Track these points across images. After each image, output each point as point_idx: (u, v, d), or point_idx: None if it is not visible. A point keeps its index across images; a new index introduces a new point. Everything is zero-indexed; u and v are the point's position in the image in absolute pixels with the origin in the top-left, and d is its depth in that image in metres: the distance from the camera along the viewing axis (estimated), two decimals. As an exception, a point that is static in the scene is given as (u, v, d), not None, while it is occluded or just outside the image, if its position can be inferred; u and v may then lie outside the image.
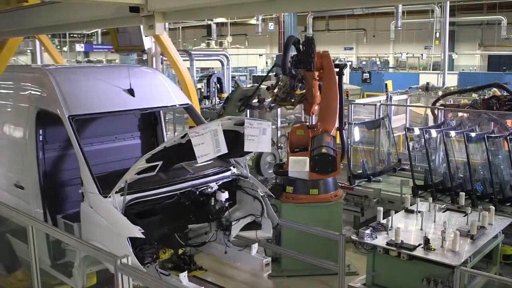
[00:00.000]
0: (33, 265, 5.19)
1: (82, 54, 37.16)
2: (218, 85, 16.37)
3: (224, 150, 5.01)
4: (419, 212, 6.90)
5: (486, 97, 11.84)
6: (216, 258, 6.82)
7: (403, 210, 7.18)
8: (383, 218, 6.66)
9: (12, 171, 6.28)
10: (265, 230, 5.98)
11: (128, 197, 4.95)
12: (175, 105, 6.47)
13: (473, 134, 8.05)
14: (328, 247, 6.65)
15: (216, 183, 5.69)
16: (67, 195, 6.00)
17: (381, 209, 6.84)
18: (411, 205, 7.25)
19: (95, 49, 34.57)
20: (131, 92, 5.86)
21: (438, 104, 12.39)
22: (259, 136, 5.36)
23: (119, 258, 4.17)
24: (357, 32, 37.96)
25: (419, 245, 5.95)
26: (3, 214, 5.97)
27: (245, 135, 5.31)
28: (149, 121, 7.11)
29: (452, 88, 22.03)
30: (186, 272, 5.22)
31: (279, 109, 11.82)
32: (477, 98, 11.93)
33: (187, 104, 6.52)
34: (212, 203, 5.55)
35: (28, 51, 26.59)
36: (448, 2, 16.13)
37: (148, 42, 8.17)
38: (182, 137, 4.92)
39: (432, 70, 29.28)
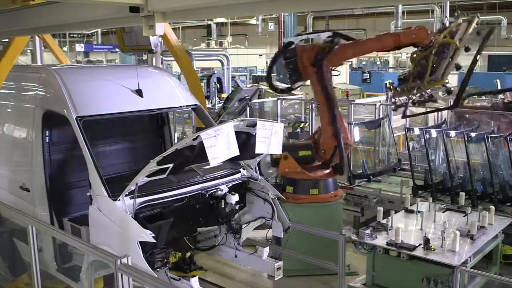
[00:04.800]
0: (33, 265, 5.19)
1: (82, 54, 37.10)
2: (218, 85, 16.38)
3: (236, 152, 4.90)
4: (419, 212, 6.91)
5: (506, 100, 11.80)
6: (216, 258, 6.82)
7: (403, 210, 7.19)
8: (383, 218, 6.66)
9: (17, 173, 6.24)
10: (276, 233, 5.92)
11: (138, 200, 4.88)
12: (183, 106, 6.41)
13: (473, 134, 8.05)
14: (328, 247, 6.65)
15: (226, 186, 5.62)
16: (74, 197, 5.93)
17: (381, 209, 6.85)
18: (411, 205, 7.25)
19: (95, 49, 34.54)
20: (139, 92, 5.78)
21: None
22: (270, 138, 5.26)
23: (119, 258, 4.16)
24: (357, 32, 37.91)
25: (419, 245, 5.95)
26: (8, 216, 5.95)
27: (257, 136, 5.20)
28: (156, 122, 7.06)
29: (452, 89, 22.02)
30: (197, 276, 5.16)
31: (279, 110, 11.88)
32: (498, 100, 11.89)
33: (195, 104, 6.46)
34: (222, 206, 5.51)
35: (28, 51, 26.55)
36: (448, 2, 16.13)
37: (155, 42, 8.13)
38: (194, 139, 4.82)
39: (432, 70, 29.22)
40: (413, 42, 6.89)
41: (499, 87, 18.44)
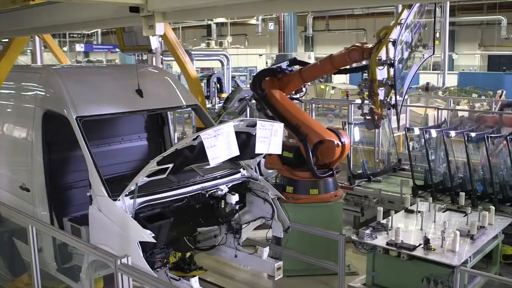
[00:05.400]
0: (33, 265, 5.19)
1: (82, 54, 37.10)
2: (218, 85, 16.35)
3: (236, 152, 4.89)
4: (419, 212, 6.91)
5: None
6: (216, 258, 6.81)
7: (403, 210, 7.19)
8: (383, 218, 6.66)
9: (17, 173, 6.23)
10: (276, 233, 5.92)
11: (139, 200, 4.87)
12: (183, 106, 6.42)
13: (473, 134, 8.05)
14: (328, 247, 6.65)
15: (226, 186, 5.62)
16: (74, 197, 5.93)
17: (381, 209, 6.85)
18: (411, 205, 7.25)
19: (95, 49, 34.51)
20: (139, 92, 5.78)
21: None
22: (270, 138, 5.25)
23: (119, 258, 4.16)
24: (357, 32, 37.92)
25: (419, 245, 5.95)
26: (8, 216, 5.94)
27: (257, 136, 5.19)
28: (156, 122, 7.06)
29: (452, 88, 22.04)
30: (197, 276, 5.14)
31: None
32: None
33: (195, 104, 6.47)
34: (222, 206, 5.52)
35: (28, 51, 26.55)
36: (448, 2, 16.09)
37: (155, 42, 8.13)
38: (194, 139, 4.81)
39: (432, 70, 29.24)
40: (352, 63, 6.97)
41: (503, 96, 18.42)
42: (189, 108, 6.66)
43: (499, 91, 19.14)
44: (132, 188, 4.81)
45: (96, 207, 4.95)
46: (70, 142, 5.45)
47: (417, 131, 9.21)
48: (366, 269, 6.43)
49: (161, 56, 11.50)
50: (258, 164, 8.43)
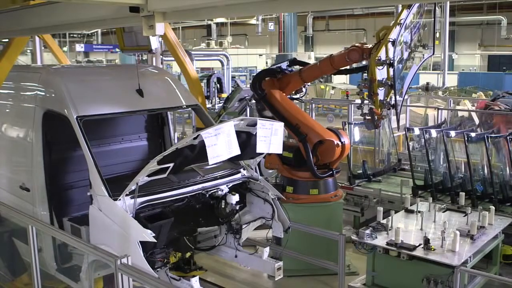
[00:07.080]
0: (33, 265, 5.19)
1: (82, 54, 37.11)
2: (218, 85, 16.35)
3: (236, 151, 4.88)
4: (419, 212, 6.91)
5: None
6: (216, 258, 6.81)
7: (403, 210, 7.19)
8: (383, 218, 6.66)
9: (17, 172, 6.22)
10: (276, 233, 5.92)
11: (139, 200, 4.86)
12: (183, 106, 6.42)
13: (473, 134, 8.05)
14: (328, 247, 6.65)
15: (227, 186, 5.61)
16: (74, 197, 5.93)
17: (381, 209, 6.85)
18: (411, 205, 7.25)
19: (95, 49, 34.51)
20: (139, 92, 5.78)
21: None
22: (271, 137, 5.24)
23: (119, 258, 4.16)
24: (357, 32, 37.93)
25: (419, 245, 5.95)
26: (8, 216, 5.93)
27: (258, 136, 5.17)
28: (157, 122, 7.06)
29: (452, 88, 22.04)
30: (197, 276, 5.13)
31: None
32: None
33: (195, 104, 6.47)
34: (223, 206, 5.51)
35: (28, 51, 26.55)
36: (448, 2, 16.08)
37: (155, 42, 8.14)
38: (195, 138, 4.80)
39: (432, 70, 29.24)
40: (351, 63, 7.01)
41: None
42: (189, 108, 6.66)
43: (480, 93, 19.08)
44: (133, 187, 4.80)
45: (97, 206, 4.94)
46: (71, 142, 5.44)
47: (417, 131, 9.21)
48: (366, 269, 6.43)
49: (161, 56, 11.51)
50: (258, 164, 8.43)
